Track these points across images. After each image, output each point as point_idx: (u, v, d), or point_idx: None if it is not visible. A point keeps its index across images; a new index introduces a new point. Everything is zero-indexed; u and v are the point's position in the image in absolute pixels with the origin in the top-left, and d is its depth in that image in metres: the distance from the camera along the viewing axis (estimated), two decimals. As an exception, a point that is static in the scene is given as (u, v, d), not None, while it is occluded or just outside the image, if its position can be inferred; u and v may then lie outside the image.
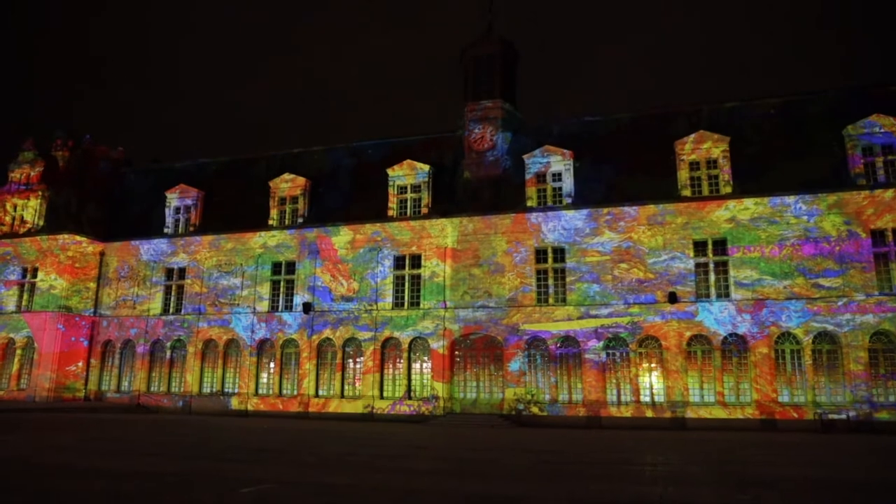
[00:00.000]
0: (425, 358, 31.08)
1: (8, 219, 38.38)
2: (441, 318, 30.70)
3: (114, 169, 42.23)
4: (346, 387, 32.05)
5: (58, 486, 9.93)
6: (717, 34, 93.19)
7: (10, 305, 37.21)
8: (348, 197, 34.37)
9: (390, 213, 32.72)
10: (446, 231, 31.47)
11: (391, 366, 31.60)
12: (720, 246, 28.26)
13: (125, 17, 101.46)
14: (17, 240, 37.40)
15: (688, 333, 27.70)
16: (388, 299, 31.91)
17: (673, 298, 27.76)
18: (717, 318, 27.47)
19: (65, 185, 38.73)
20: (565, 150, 30.78)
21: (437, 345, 30.55)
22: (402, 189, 33.03)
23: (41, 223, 37.54)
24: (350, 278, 32.73)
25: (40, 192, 37.96)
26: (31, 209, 37.95)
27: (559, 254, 30.07)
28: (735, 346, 27.33)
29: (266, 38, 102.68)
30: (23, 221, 37.98)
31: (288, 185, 34.96)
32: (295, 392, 32.66)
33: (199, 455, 14.39)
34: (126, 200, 40.51)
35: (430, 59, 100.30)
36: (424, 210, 32.35)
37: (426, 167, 32.70)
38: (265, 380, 33.57)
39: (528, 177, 31.06)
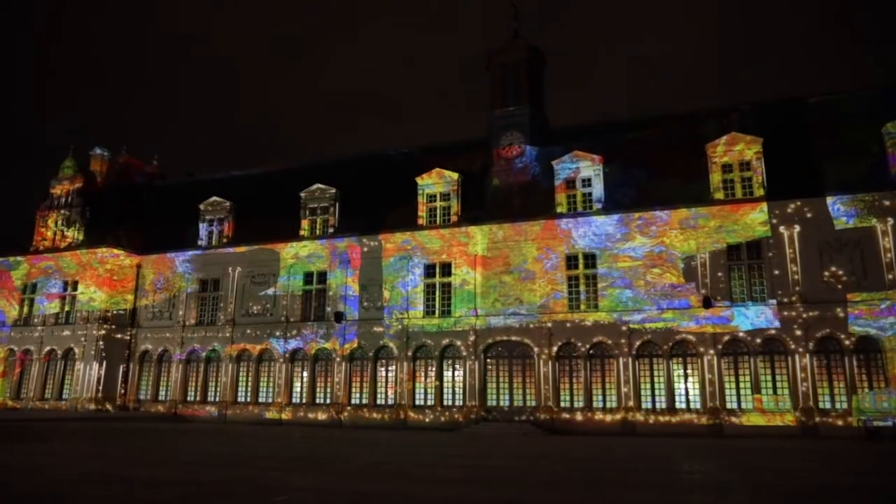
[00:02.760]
0: (457, 366, 31.04)
1: (49, 234, 39.52)
2: (472, 325, 30.65)
3: (149, 182, 43.29)
4: (378, 395, 32.16)
5: (101, 494, 10.14)
6: (748, 33, 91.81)
7: (52, 318, 38.24)
8: (378, 206, 34.56)
9: (420, 221, 32.83)
10: (476, 238, 31.45)
11: (423, 374, 31.62)
12: (755, 249, 27.73)
13: (155, 39, 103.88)
14: (58, 254, 38.47)
15: (724, 338, 27.18)
16: (419, 307, 31.97)
17: (707, 303, 27.29)
18: (753, 322, 26.91)
19: (103, 200, 39.80)
20: (594, 155, 30.56)
21: (469, 352, 30.49)
22: (432, 197, 33.12)
23: (81, 237, 38.56)
24: (381, 287, 32.88)
25: (80, 207, 39.05)
26: (71, 224, 39.03)
27: (590, 259, 29.81)
28: (773, 351, 26.73)
29: (292, 49, 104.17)
30: (63, 236, 39.08)
31: (318, 195, 35.33)
32: (328, 401, 32.89)
33: (235, 464, 14.57)
34: (161, 213, 41.38)
35: (456, 66, 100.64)
36: (454, 218, 32.38)
37: (455, 175, 32.76)
38: (298, 389, 33.87)
39: (557, 182, 30.91)
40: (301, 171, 37.97)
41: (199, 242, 37.68)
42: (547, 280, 29.99)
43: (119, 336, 37.46)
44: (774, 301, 26.80)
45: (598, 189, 30.27)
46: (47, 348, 37.72)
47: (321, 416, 32.45)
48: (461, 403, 30.31)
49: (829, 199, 26.59)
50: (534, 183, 32.28)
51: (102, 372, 36.29)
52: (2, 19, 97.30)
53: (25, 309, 39.32)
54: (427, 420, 30.37)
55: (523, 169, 32.81)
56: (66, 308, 38.32)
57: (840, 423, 24.98)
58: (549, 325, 29.45)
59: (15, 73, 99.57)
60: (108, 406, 36.10)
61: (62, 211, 39.47)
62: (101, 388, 36.11)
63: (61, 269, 38.43)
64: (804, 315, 26.23)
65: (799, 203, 26.96)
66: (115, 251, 37.67)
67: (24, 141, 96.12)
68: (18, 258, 39.56)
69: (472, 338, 30.51)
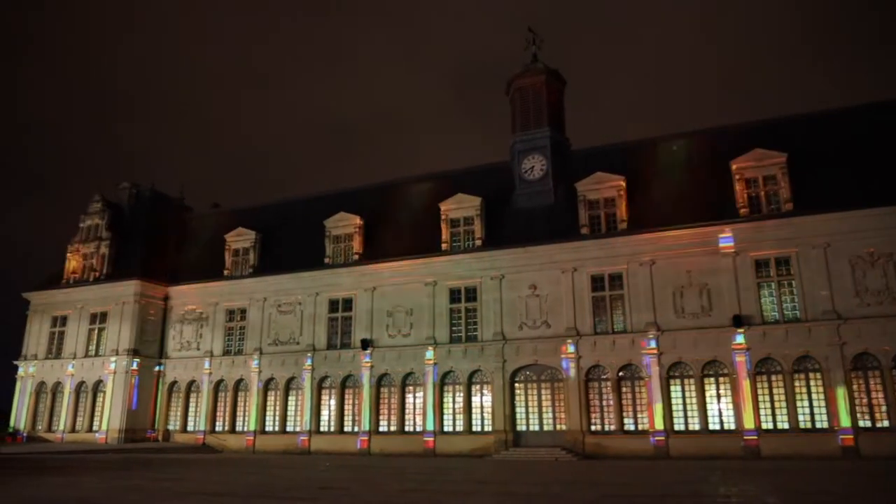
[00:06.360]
0: (485, 391, 30.73)
1: (79, 267, 40.23)
2: (499, 349, 30.37)
3: (176, 214, 43.98)
4: (406, 422, 31.90)
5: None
6: (770, 48, 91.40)
7: (81, 350, 38.75)
8: (402, 232, 34.70)
9: (444, 246, 32.81)
10: (500, 262, 31.31)
11: (451, 400, 31.34)
12: (784, 265, 27.19)
13: (176, 73, 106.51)
14: (88, 286, 39.12)
15: (756, 357, 26.56)
16: (445, 333, 31.80)
17: (738, 322, 26.75)
18: (786, 340, 26.27)
19: (131, 232, 40.54)
20: (616, 175, 30.40)
21: (496, 377, 30.17)
22: (455, 222, 33.13)
23: (110, 270, 39.20)
24: (407, 313, 32.81)
25: (108, 241, 39.76)
26: (100, 257, 39.72)
27: (616, 281, 29.46)
28: (809, 370, 26.03)
29: (307, 79, 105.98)
30: (93, 269, 39.74)
31: (342, 223, 35.56)
32: (355, 429, 32.70)
33: (265, 494, 14.46)
34: (188, 244, 41.98)
35: (477, 89, 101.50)
36: (478, 242, 32.32)
37: (478, 199, 32.76)
38: (326, 417, 33.76)
39: (580, 204, 30.73)
40: (325, 200, 38.41)
41: (226, 272, 38.06)
42: (573, 302, 29.68)
43: (148, 367, 37.80)
44: (807, 318, 26.18)
45: (622, 209, 30.04)
46: (77, 380, 38.20)
47: (349, 444, 32.24)
48: (490, 429, 29.92)
49: (858, 212, 26.04)
50: (557, 205, 32.19)
51: (132, 403, 36.57)
52: (32, 56, 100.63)
53: (56, 342, 39.93)
54: (456, 447, 30.01)
55: (546, 192, 32.76)
56: (96, 340, 38.83)
57: (882, 442, 24.12)
58: (577, 347, 29.06)
59: (45, 107, 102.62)
60: (138, 437, 36.29)
61: (91, 244, 40.18)
62: (130, 419, 36.36)
63: (91, 301, 39.05)
64: (838, 331, 25.53)
65: (827, 217, 26.44)
66: (143, 283, 38.18)
67: (56, 176, 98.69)
68: (50, 291, 40.28)
69: (499, 362, 30.21)
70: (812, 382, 25.90)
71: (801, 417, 25.67)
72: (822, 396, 25.58)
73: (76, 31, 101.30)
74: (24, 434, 38.08)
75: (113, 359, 37.12)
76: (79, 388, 38.22)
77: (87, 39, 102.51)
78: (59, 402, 38.66)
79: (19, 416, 39.01)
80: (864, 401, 25.14)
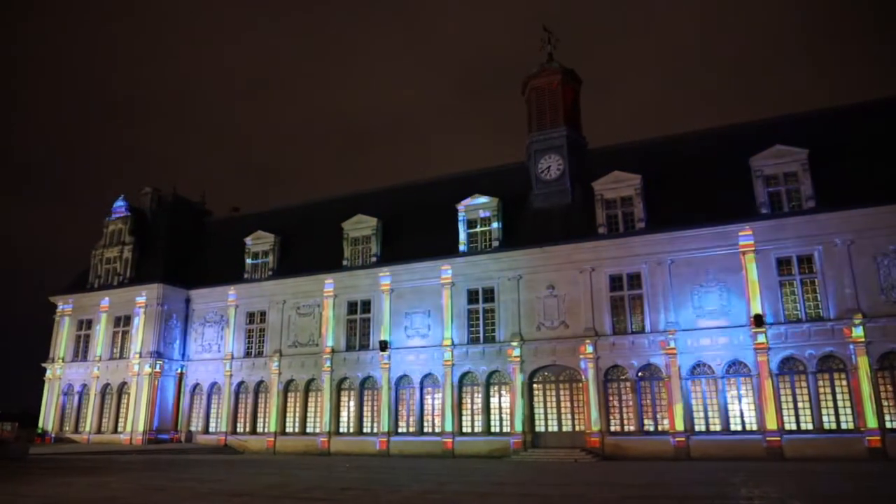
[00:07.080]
0: (503, 392, 30.70)
1: (103, 270, 40.91)
2: (517, 350, 30.31)
3: (197, 218, 44.55)
4: (424, 424, 31.98)
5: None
6: (784, 44, 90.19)
7: (106, 352, 39.37)
8: (419, 233, 34.77)
9: (461, 247, 32.84)
10: (518, 263, 31.26)
11: (469, 401, 31.36)
12: (806, 263, 26.82)
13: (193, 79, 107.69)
14: (112, 290, 39.74)
15: (778, 357, 26.22)
16: (463, 334, 31.82)
17: (759, 321, 26.44)
18: (809, 340, 25.91)
19: (153, 237, 41.15)
20: (634, 174, 30.20)
21: (515, 378, 30.13)
22: (472, 223, 33.14)
23: (133, 273, 39.81)
24: (425, 315, 32.89)
25: (132, 245, 40.37)
26: (123, 261, 40.35)
27: (635, 280, 29.28)
28: (833, 369, 25.64)
29: (310, 80, 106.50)
30: (116, 272, 40.38)
31: (359, 225, 35.75)
32: (374, 430, 32.85)
33: (285, 494, 14.59)
34: (209, 248, 42.46)
35: (484, 89, 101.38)
36: (495, 243, 32.31)
37: (495, 200, 32.74)
38: (345, 418, 33.96)
39: (597, 203, 30.59)
40: (342, 202, 38.66)
41: (245, 275, 38.44)
42: (591, 302, 29.54)
43: (170, 369, 38.30)
44: (830, 316, 25.79)
45: (639, 208, 29.84)
46: (102, 382, 38.82)
47: (368, 445, 32.40)
48: (508, 430, 29.88)
49: (882, 208, 25.56)
50: (574, 205, 32.07)
51: (155, 405, 37.08)
52: (56, 65, 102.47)
53: (81, 344, 40.62)
54: (474, 448, 30.01)
55: (563, 191, 32.66)
56: (120, 343, 39.43)
57: (909, 443, 23.69)
58: (596, 348, 28.92)
59: (71, 115, 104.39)
60: (161, 438, 36.78)
61: (115, 248, 40.84)
62: (153, 420, 36.88)
63: (114, 305, 39.67)
64: (863, 329, 25.10)
65: (850, 213, 25.99)
66: (165, 286, 38.70)
67: (81, 182, 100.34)
68: (76, 295, 41.01)
69: (517, 363, 30.16)
70: (837, 382, 25.50)
71: (825, 418, 25.29)
72: (847, 397, 25.17)
73: (76, 31, 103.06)
74: (52, 435, 38.85)
75: (136, 361, 37.69)
76: (104, 390, 38.85)
77: (88, 40, 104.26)
78: (85, 403, 39.33)
79: (47, 418, 39.77)
80: (892, 401, 24.69)
